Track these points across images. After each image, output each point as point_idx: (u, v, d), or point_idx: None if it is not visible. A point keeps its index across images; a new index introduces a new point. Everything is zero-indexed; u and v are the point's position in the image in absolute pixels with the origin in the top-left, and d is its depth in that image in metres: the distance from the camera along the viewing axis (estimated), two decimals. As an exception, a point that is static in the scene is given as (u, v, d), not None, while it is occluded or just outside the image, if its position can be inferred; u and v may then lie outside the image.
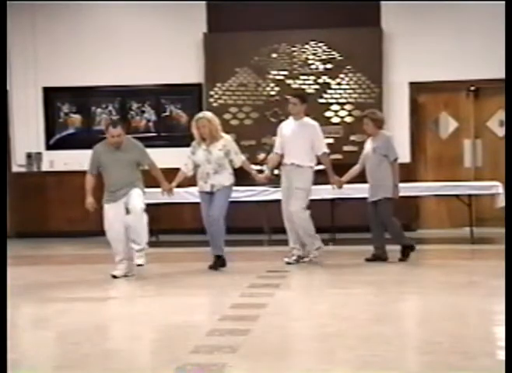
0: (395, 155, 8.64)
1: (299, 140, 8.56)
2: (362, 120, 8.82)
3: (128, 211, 7.96)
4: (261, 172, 8.89)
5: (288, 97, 8.83)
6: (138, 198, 7.95)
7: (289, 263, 8.58)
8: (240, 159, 8.43)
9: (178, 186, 8.47)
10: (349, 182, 8.92)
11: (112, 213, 7.98)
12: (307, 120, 8.70)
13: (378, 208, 8.56)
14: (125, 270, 8.05)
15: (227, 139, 8.46)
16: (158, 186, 9.12)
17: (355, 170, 8.84)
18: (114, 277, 7.94)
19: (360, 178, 8.94)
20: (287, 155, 8.66)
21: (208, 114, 8.51)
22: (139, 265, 7.98)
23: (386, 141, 8.62)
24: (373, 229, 8.67)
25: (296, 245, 8.66)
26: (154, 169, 8.22)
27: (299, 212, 8.50)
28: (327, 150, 8.74)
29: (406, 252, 8.62)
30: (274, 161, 8.79)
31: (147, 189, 10.41)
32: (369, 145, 8.67)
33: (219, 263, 8.27)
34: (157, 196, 9.99)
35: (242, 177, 8.75)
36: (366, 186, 8.88)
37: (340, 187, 8.81)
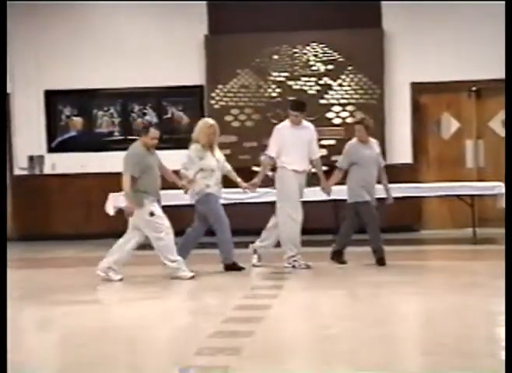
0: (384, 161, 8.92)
1: (303, 145, 8.47)
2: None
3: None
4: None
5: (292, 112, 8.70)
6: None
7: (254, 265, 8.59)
8: (228, 167, 8.65)
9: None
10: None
11: (160, 212, 7.96)
12: (307, 124, 8.68)
13: (374, 211, 8.59)
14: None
15: (218, 149, 8.63)
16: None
17: (340, 174, 8.77)
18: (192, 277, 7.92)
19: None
20: (296, 162, 8.45)
21: (214, 121, 8.61)
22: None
23: (378, 147, 8.83)
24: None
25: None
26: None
27: None
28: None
29: (340, 255, 8.66)
30: (268, 166, 8.60)
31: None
32: (367, 150, 8.66)
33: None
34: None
35: (246, 179, 8.75)
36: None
37: (329, 193, 8.81)
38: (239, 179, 8.67)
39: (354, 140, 8.77)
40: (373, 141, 8.86)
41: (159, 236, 7.86)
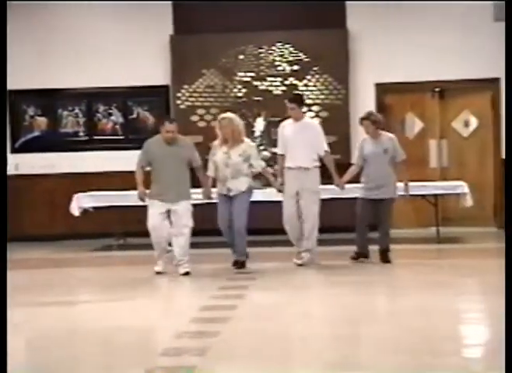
0: (404, 155, 8.83)
1: (303, 142, 8.48)
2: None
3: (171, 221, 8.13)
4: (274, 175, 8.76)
5: (285, 102, 8.77)
6: (187, 216, 8.08)
7: (300, 265, 8.55)
8: (259, 165, 8.47)
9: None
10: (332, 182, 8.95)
11: (156, 211, 8.04)
12: (308, 120, 8.72)
13: (384, 206, 8.62)
14: (164, 266, 8.22)
15: (248, 144, 8.46)
16: (124, 189, 9.10)
17: (354, 170, 8.83)
18: (158, 272, 8.14)
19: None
20: (292, 158, 8.53)
21: (232, 115, 8.47)
22: (186, 273, 8.06)
23: (394, 142, 8.78)
24: (362, 228, 8.67)
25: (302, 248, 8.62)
26: (200, 170, 8.33)
27: (316, 215, 8.52)
28: (328, 149, 8.71)
29: (387, 254, 8.65)
30: (282, 164, 8.65)
31: (113, 192, 10.43)
32: (373, 146, 8.69)
33: (239, 265, 8.36)
34: (125, 198, 9.98)
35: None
36: (349, 186, 8.89)
37: (342, 188, 8.80)
38: (272, 179, 8.62)
39: (366, 135, 8.80)
40: (387, 136, 8.78)
41: None
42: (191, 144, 8.39)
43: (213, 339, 5.13)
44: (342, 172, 8.91)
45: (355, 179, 8.93)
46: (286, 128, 8.69)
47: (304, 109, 8.75)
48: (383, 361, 4.65)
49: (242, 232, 8.28)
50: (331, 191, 9.20)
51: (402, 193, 8.91)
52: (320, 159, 8.65)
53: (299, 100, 8.73)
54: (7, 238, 6.74)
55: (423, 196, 10.60)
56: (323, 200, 8.83)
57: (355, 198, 8.86)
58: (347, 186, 8.88)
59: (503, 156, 11.96)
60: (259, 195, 9.79)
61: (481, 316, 6.04)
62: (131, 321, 5.99)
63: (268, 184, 9.15)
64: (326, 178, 8.85)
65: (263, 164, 8.55)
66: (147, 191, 8.26)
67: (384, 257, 8.57)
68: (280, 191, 8.65)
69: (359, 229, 8.68)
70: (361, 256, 8.66)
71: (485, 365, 4.55)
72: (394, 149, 8.73)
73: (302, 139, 8.50)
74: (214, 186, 8.57)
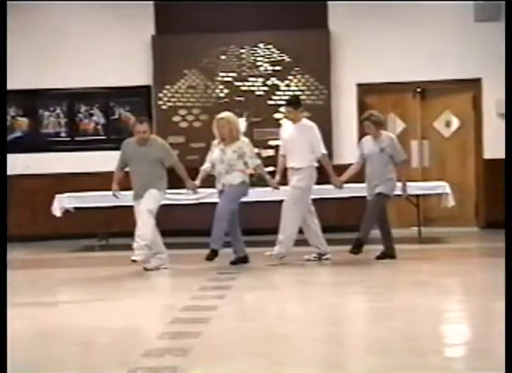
0: (404, 155, 8.92)
1: (297, 143, 8.62)
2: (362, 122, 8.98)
3: None
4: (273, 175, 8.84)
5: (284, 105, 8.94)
6: (147, 200, 8.24)
7: (308, 260, 8.72)
8: (253, 163, 8.54)
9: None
10: (326, 182, 9.00)
11: (137, 210, 8.38)
12: (305, 122, 8.79)
13: (372, 200, 8.65)
14: (157, 263, 8.36)
15: (244, 141, 8.59)
16: (106, 190, 9.08)
17: (354, 169, 8.95)
18: (145, 269, 8.29)
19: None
20: (288, 159, 8.72)
21: (229, 115, 8.59)
22: (133, 260, 8.17)
23: (393, 142, 8.82)
24: (382, 227, 8.81)
25: (315, 245, 8.77)
26: (178, 168, 8.51)
27: (290, 210, 8.53)
28: (325, 151, 8.78)
29: (358, 245, 8.64)
30: (282, 164, 8.82)
31: (95, 193, 10.40)
32: (373, 145, 8.74)
33: (211, 256, 8.36)
34: (107, 199, 9.95)
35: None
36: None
37: (341, 187, 8.87)
38: (267, 177, 8.68)
39: (368, 136, 8.88)
40: (386, 136, 8.86)
41: None
42: (162, 144, 8.52)
43: (195, 339, 5.13)
44: (323, 173, 8.96)
45: (355, 179, 9.02)
46: (285, 130, 8.88)
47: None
48: (364, 361, 4.67)
49: (219, 217, 8.29)
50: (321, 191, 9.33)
51: (400, 192, 8.96)
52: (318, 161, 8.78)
53: (295, 103, 8.82)
54: (6, 238, 6.72)
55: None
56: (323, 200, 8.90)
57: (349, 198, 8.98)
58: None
59: (485, 156, 12.05)
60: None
61: (463, 316, 6.07)
62: (112, 321, 5.97)
63: (256, 184, 9.22)
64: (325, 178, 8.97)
65: (257, 161, 8.60)
66: (122, 193, 8.52)
67: (353, 246, 8.54)
68: (276, 188, 8.75)
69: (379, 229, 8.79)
70: (386, 255, 8.74)
71: (467, 365, 4.57)
72: (392, 148, 8.75)
73: (298, 141, 8.63)
74: (211, 186, 8.71)
